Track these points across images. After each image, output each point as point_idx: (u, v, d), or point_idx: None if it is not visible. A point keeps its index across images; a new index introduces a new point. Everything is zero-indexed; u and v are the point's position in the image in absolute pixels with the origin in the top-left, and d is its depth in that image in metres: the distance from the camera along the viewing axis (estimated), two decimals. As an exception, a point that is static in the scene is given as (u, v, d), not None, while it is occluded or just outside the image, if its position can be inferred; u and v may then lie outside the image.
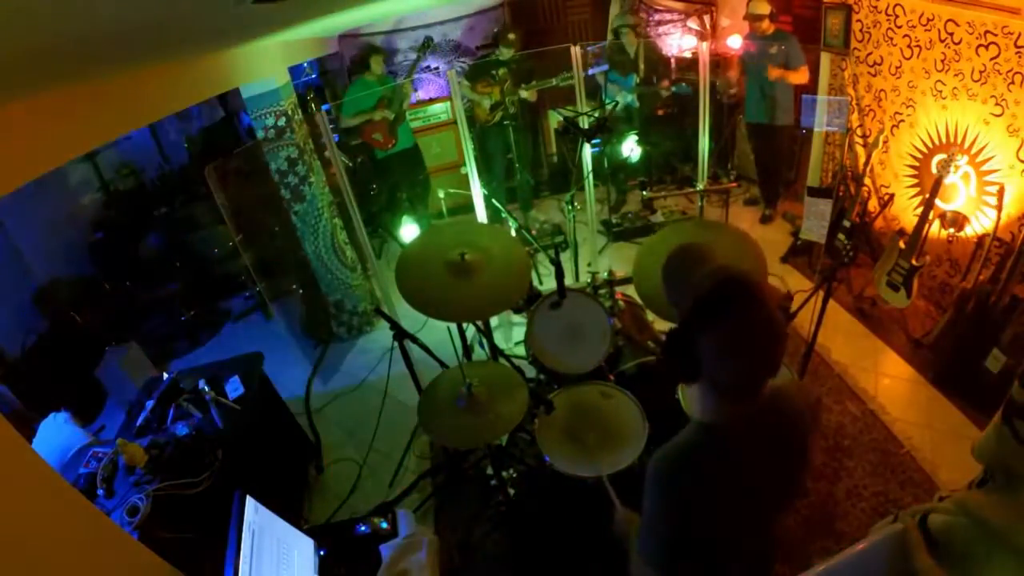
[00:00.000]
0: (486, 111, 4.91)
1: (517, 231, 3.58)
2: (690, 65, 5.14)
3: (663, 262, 1.19)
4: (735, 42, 4.57)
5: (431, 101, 5.49)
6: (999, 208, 2.89)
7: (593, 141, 3.71)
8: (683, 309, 1.05)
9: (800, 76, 4.06)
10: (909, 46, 3.30)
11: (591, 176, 4.07)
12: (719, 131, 4.98)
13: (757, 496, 1.12)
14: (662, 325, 2.94)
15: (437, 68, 5.42)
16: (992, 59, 2.79)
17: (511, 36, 4.67)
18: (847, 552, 1.19)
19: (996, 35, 2.73)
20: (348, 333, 4.27)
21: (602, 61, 5.04)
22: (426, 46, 4.68)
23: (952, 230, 3.24)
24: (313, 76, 5.47)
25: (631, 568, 1.22)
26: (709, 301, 1.00)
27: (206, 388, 2.57)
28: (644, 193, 4.80)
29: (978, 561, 1.02)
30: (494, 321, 3.71)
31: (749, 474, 1.09)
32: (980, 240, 3.08)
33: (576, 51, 3.79)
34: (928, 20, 3.12)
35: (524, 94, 4.81)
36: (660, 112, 5.15)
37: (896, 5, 3.31)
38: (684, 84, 4.99)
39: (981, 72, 2.87)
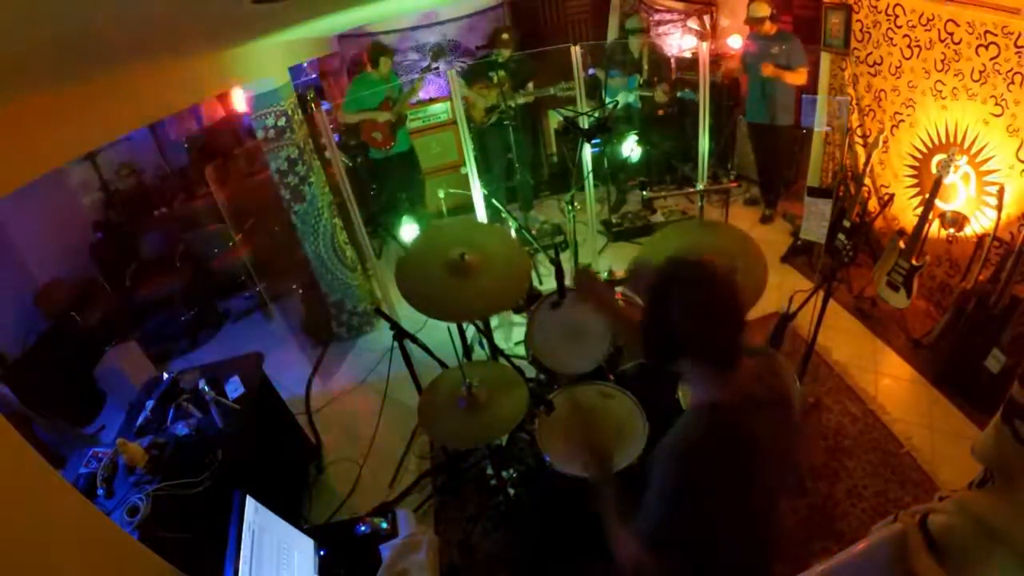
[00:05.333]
0: (481, 113, 4.90)
1: (517, 231, 3.58)
2: (690, 65, 5.14)
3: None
4: (735, 42, 4.57)
5: (431, 101, 5.49)
6: (999, 208, 2.89)
7: (593, 141, 3.71)
8: (651, 300, 1.19)
9: (798, 77, 4.05)
10: (909, 46, 3.30)
11: (591, 176, 4.07)
12: (719, 131, 4.98)
13: (761, 465, 1.16)
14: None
15: (437, 68, 5.42)
16: (992, 59, 2.79)
17: (504, 36, 4.66)
18: (847, 552, 1.19)
19: (996, 35, 2.74)
20: (348, 333, 4.27)
21: (600, 63, 5.03)
22: (439, 53, 4.68)
23: (952, 230, 3.24)
24: (313, 76, 5.47)
25: (617, 547, 1.24)
26: (659, 284, 1.15)
27: (206, 388, 2.57)
28: (644, 193, 4.80)
29: (978, 561, 1.01)
30: (494, 321, 3.71)
31: (753, 443, 1.14)
32: (980, 240, 3.08)
33: (576, 51, 3.79)
34: (928, 20, 3.12)
35: (520, 100, 4.81)
36: (660, 112, 5.15)
37: (896, 5, 3.31)
38: (688, 90, 4.99)
39: (981, 72, 2.87)
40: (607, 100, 4.80)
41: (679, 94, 5.08)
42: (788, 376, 1.30)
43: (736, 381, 1.14)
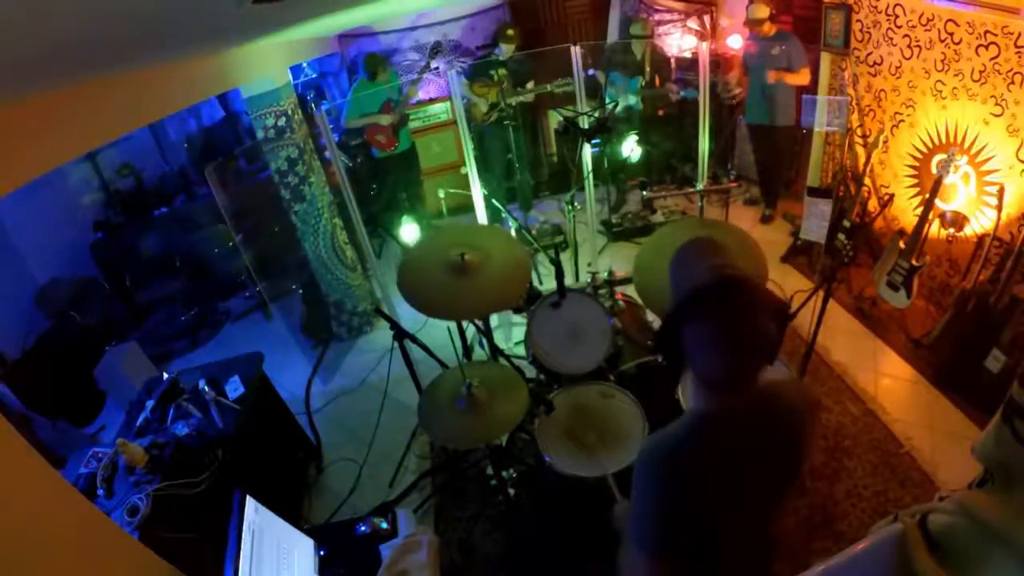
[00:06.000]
0: (482, 112, 4.91)
1: (517, 231, 3.58)
2: (690, 65, 5.14)
3: (675, 249, 1.18)
4: (735, 42, 4.57)
5: (431, 101, 5.49)
6: (999, 208, 2.89)
7: (593, 141, 3.70)
8: (677, 296, 1.08)
9: (801, 78, 4.05)
10: (909, 46, 3.30)
11: (591, 176, 4.07)
12: (719, 131, 4.97)
13: (746, 487, 1.12)
14: (662, 325, 2.94)
15: (437, 68, 5.42)
16: (992, 59, 2.79)
17: (509, 32, 4.67)
18: (847, 552, 1.18)
19: (996, 35, 2.73)
20: (348, 333, 4.27)
21: (600, 64, 5.03)
22: (435, 51, 4.69)
23: (952, 230, 3.24)
24: (313, 76, 5.48)
25: (622, 555, 1.22)
26: (700, 294, 1.03)
27: (206, 388, 2.57)
28: (644, 193, 4.80)
29: (978, 561, 1.01)
30: (494, 321, 3.71)
31: (737, 464, 1.10)
32: (980, 240, 3.08)
33: (576, 51, 3.78)
34: (928, 20, 3.12)
35: (521, 98, 4.82)
36: (660, 112, 5.15)
37: (896, 5, 3.31)
38: (692, 89, 5.00)
39: (981, 72, 2.87)
40: (607, 100, 4.80)
41: (683, 93, 5.08)
42: (800, 406, 1.22)
43: (732, 400, 1.08)
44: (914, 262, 3.20)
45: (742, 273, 1.05)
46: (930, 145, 3.35)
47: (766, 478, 1.14)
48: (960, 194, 3.18)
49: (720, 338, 1.02)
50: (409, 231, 3.91)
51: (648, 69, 4.81)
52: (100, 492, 2.18)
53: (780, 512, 1.26)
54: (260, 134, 3.55)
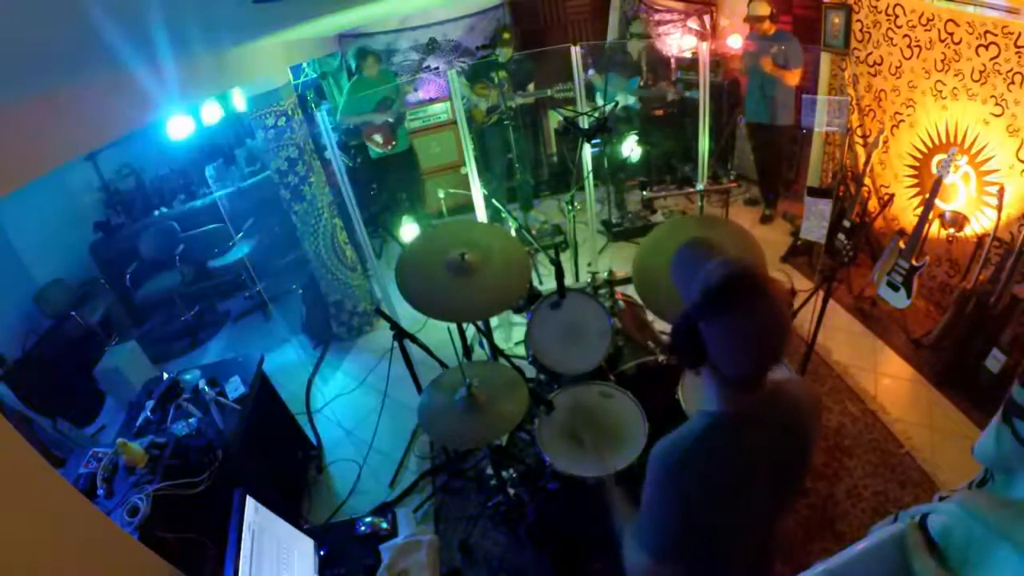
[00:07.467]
0: (482, 113, 4.92)
1: (517, 231, 3.58)
2: (690, 65, 5.14)
3: (673, 252, 1.17)
4: (735, 42, 4.57)
5: (431, 101, 5.49)
6: (999, 208, 2.89)
7: (593, 141, 3.71)
8: (690, 297, 1.06)
9: (792, 77, 4.06)
10: (909, 46, 3.30)
11: (591, 176, 4.07)
12: (719, 131, 4.97)
13: (757, 487, 1.12)
14: (662, 325, 2.95)
15: (437, 68, 5.42)
16: (992, 59, 2.79)
17: (506, 35, 4.69)
18: (847, 552, 1.18)
19: (996, 35, 2.73)
20: (348, 333, 4.27)
21: (599, 64, 5.03)
22: (430, 48, 4.70)
23: (952, 230, 3.24)
24: (313, 76, 5.47)
25: (625, 555, 1.22)
26: (715, 290, 1.01)
27: (206, 388, 2.57)
28: (644, 193, 4.80)
29: (978, 562, 1.01)
30: (494, 321, 3.71)
31: (752, 464, 1.09)
32: (980, 240, 3.08)
33: (576, 51, 3.79)
34: (928, 20, 3.12)
35: (520, 100, 4.83)
36: (660, 112, 5.16)
37: (896, 5, 3.31)
38: (694, 90, 5.01)
39: (981, 72, 2.87)
40: (605, 102, 4.80)
41: (686, 93, 5.09)
42: (807, 404, 1.22)
43: (749, 398, 1.08)
44: (914, 262, 3.20)
45: (746, 263, 1.04)
46: (930, 145, 3.35)
47: (778, 478, 1.14)
48: (960, 194, 3.18)
49: (749, 329, 1.00)
50: (409, 231, 3.91)
51: (644, 69, 4.82)
52: (100, 492, 2.18)
53: (786, 512, 1.26)
54: (260, 134, 3.55)
